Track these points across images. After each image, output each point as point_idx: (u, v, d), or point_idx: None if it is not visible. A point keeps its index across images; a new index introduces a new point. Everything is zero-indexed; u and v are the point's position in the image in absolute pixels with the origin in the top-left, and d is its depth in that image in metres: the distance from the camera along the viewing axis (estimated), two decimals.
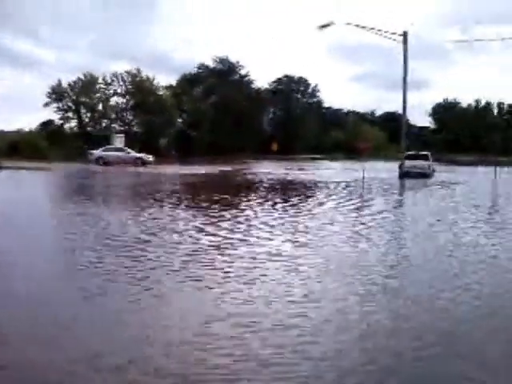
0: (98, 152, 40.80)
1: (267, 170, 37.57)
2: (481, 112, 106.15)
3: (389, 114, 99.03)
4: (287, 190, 22.09)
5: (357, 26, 33.04)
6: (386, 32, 32.83)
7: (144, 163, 39.58)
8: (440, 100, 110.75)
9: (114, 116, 63.14)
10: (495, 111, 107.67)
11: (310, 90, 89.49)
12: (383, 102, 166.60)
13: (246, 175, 31.68)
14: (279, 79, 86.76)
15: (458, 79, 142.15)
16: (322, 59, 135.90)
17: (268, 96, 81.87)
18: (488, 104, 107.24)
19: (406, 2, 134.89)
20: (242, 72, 77.89)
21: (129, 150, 42.03)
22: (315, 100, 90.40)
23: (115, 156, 40.23)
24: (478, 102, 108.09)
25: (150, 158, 40.85)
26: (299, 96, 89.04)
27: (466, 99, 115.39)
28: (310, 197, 19.25)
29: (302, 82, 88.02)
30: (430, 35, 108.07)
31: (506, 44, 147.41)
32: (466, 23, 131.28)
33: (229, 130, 67.16)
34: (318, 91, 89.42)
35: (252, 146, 68.93)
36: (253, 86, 79.06)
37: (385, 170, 36.12)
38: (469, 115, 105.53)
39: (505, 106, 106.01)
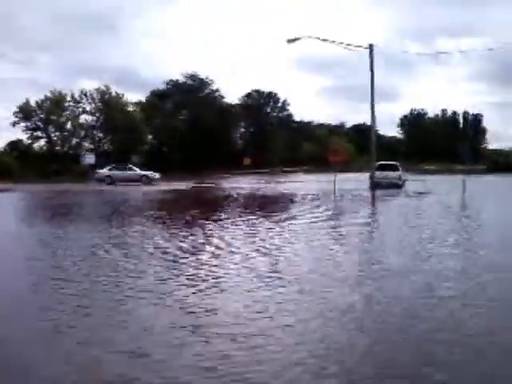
0: (104, 171, 41.00)
1: (246, 184, 37.89)
2: (447, 122, 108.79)
3: (358, 126, 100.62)
4: (260, 204, 22.12)
5: (324, 40, 33.53)
6: (352, 45, 33.38)
7: (150, 180, 39.70)
8: (407, 111, 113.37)
9: (83, 134, 62.49)
10: (461, 121, 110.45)
11: (279, 104, 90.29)
12: (352, 114, 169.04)
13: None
14: (249, 94, 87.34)
15: (423, 90, 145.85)
16: (291, 73, 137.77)
17: (238, 111, 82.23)
18: (454, 114, 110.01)
19: (370, 16, 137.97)
20: (212, 87, 78.18)
21: (134, 168, 42.07)
22: (285, 114, 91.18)
23: (121, 174, 40.39)
24: (444, 111, 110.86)
25: (156, 175, 41.01)
26: (269, 110, 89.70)
27: (432, 109, 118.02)
28: (282, 210, 19.30)
29: (272, 96, 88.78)
30: (395, 47, 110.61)
31: (466, 56, 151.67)
32: (428, 36, 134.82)
33: (200, 146, 67.11)
34: (288, 105, 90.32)
35: (224, 160, 68.98)
36: (223, 101, 79.35)
37: (356, 181, 36.51)
38: (436, 125, 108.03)
39: (469, 115, 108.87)
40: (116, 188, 35.38)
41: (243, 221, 14.89)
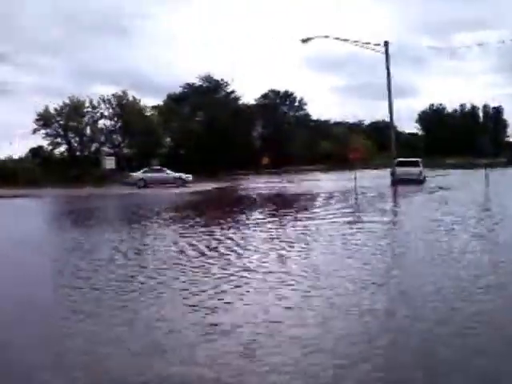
0: (138, 174, 40.93)
1: (270, 184, 37.88)
2: (467, 116, 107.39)
3: (376, 123, 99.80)
4: (290, 203, 22.15)
5: (338, 39, 33.35)
6: (367, 43, 33.13)
7: (184, 182, 39.67)
8: (426, 106, 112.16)
9: (103, 139, 63.08)
10: (481, 114, 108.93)
11: (296, 104, 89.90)
12: (369, 111, 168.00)
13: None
14: (265, 94, 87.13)
15: (441, 85, 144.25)
16: (305, 72, 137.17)
17: (255, 111, 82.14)
18: (473, 107, 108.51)
19: (382, 11, 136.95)
20: (228, 89, 78.26)
21: (168, 171, 41.68)
22: (302, 113, 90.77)
23: (155, 177, 40.29)
24: (463, 106, 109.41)
25: (190, 177, 40.94)
26: (286, 110, 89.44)
27: (451, 104, 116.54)
28: (307, 209, 19.28)
29: (288, 95, 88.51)
30: (410, 43, 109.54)
31: (482, 49, 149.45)
32: (442, 30, 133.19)
33: (217, 147, 67.19)
34: (305, 104, 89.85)
35: (241, 161, 68.95)
36: (239, 102, 79.35)
37: (377, 178, 36.24)
38: (455, 119, 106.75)
39: (489, 108, 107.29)
40: (154, 191, 35.13)
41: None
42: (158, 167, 42.55)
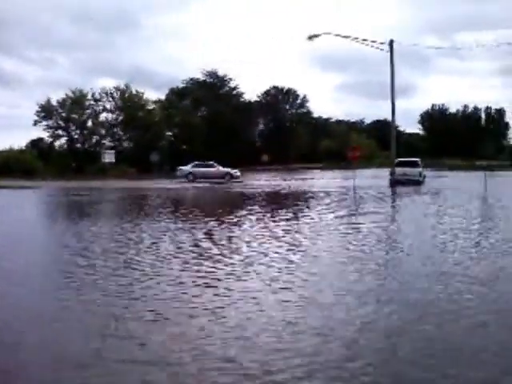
0: (187, 168, 40.82)
1: (269, 182, 37.77)
2: (469, 117, 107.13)
3: (378, 122, 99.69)
4: (289, 200, 22.11)
5: (343, 36, 33.26)
6: (371, 41, 33.05)
7: (232, 177, 39.72)
8: (428, 106, 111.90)
9: (104, 132, 63.10)
10: (483, 116, 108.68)
11: (298, 101, 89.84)
12: (371, 110, 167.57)
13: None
14: (268, 91, 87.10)
15: (443, 86, 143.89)
16: (308, 70, 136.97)
17: (257, 108, 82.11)
18: (476, 109, 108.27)
19: (385, 10, 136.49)
20: (231, 85, 78.21)
21: (217, 166, 41.49)
22: (304, 110, 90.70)
23: (205, 171, 40.19)
24: (465, 107, 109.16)
25: (238, 172, 41.03)
26: (288, 107, 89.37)
27: (454, 105, 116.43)
28: (303, 208, 19.23)
29: (291, 93, 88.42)
30: (412, 42, 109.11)
31: (486, 50, 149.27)
32: (445, 31, 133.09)
33: (219, 143, 67.17)
34: (307, 101, 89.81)
35: (242, 157, 68.92)
36: (242, 98, 79.32)
37: (376, 178, 36.17)
38: (457, 120, 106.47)
39: (491, 110, 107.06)
40: (214, 186, 34.83)
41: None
42: (208, 162, 41.93)
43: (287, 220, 14.68)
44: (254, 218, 15.45)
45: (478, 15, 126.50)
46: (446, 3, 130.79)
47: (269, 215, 16.28)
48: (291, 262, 8.69)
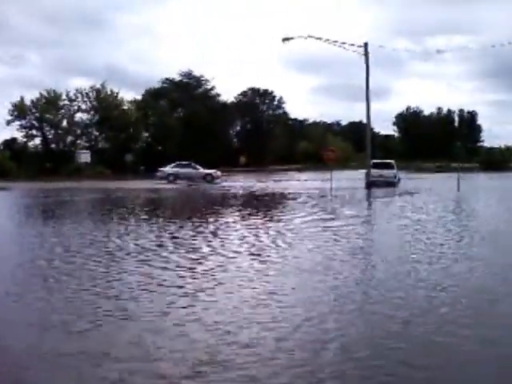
0: (168, 169, 40.63)
1: (249, 183, 37.84)
2: (443, 120, 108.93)
3: (354, 124, 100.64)
4: (263, 202, 22.19)
5: (318, 38, 33.49)
6: (347, 44, 33.35)
7: (213, 178, 39.77)
8: (403, 108, 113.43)
9: (79, 132, 62.31)
10: (456, 118, 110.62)
11: (275, 102, 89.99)
12: (347, 112, 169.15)
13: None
14: (244, 92, 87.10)
15: (418, 89, 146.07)
16: (285, 72, 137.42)
17: (234, 109, 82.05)
18: (449, 112, 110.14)
19: (361, 14, 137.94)
20: (207, 86, 77.98)
21: (197, 167, 41.54)
22: (281, 112, 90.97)
23: (185, 172, 40.07)
24: (439, 109, 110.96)
25: (219, 173, 41.14)
26: (265, 108, 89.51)
27: (428, 107, 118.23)
28: (278, 209, 19.35)
29: (267, 94, 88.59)
30: (388, 46, 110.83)
31: (459, 54, 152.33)
32: (419, 35, 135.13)
33: (196, 144, 66.93)
34: (284, 103, 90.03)
35: (219, 159, 68.86)
36: (218, 99, 79.15)
37: (352, 180, 36.53)
38: (431, 123, 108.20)
39: (464, 113, 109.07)
40: (189, 187, 34.74)
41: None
42: (188, 162, 41.84)
43: (261, 222, 14.76)
44: (223, 220, 15.53)
45: (451, 19, 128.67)
46: (419, 7, 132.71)
47: (239, 217, 16.34)
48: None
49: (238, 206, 21.40)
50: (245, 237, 11.62)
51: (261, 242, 10.94)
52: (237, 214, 17.79)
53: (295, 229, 12.94)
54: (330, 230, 12.59)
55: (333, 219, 15.45)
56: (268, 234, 12.02)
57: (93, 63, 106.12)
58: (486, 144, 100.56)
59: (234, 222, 14.63)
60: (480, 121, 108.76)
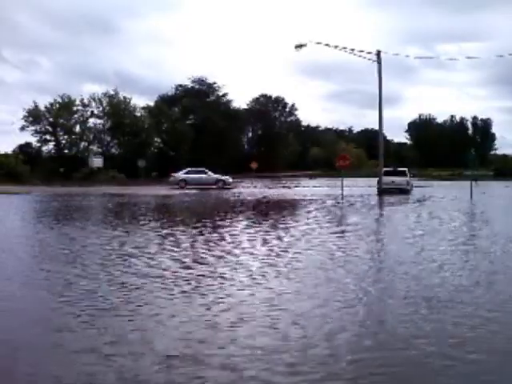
0: (180, 174, 40.91)
1: (261, 189, 37.78)
2: (456, 127, 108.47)
3: (366, 131, 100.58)
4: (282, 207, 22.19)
5: (331, 46, 33.49)
6: (360, 51, 33.31)
7: (225, 184, 40.03)
8: (415, 116, 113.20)
9: (92, 137, 62.89)
10: (470, 126, 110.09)
11: (287, 109, 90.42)
12: (358, 119, 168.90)
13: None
14: (257, 99, 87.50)
15: (431, 96, 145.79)
16: (297, 78, 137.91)
17: (246, 115, 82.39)
18: (462, 119, 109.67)
19: (373, 22, 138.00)
20: (220, 92, 78.42)
21: (210, 173, 41.64)
22: (293, 118, 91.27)
23: (197, 178, 40.33)
24: (452, 117, 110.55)
25: (230, 179, 41.39)
26: (277, 115, 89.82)
27: (441, 115, 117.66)
28: (290, 216, 19.31)
29: (280, 101, 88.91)
30: (398, 52, 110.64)
31: (473, 61, 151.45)
32: (432, 42, 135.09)
33: (208, 150, 67.23)
34: (296, 110, 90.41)
35: (232, 165, 69.05)
36: (230, 105, 79.54)
37: (364, 187, 36.41)
38: (444, 130, 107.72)
39: (478, 121, 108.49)
40: (201, 192, 34.76)
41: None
42: (200, 169, 41.96)
43: (269, 229, 14.74)
44: (231, 226, 15.52)
45: (462, 26, 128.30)
46: (431, 15, 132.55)
47: (249, 223, 16.31)
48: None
49: (261, 213, 21.40)
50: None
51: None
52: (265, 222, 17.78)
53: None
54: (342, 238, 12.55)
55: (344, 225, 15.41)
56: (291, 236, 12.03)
57: (103, 68, 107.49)
58: (500, 152, 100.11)
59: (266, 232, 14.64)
60: (494, 129, 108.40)
